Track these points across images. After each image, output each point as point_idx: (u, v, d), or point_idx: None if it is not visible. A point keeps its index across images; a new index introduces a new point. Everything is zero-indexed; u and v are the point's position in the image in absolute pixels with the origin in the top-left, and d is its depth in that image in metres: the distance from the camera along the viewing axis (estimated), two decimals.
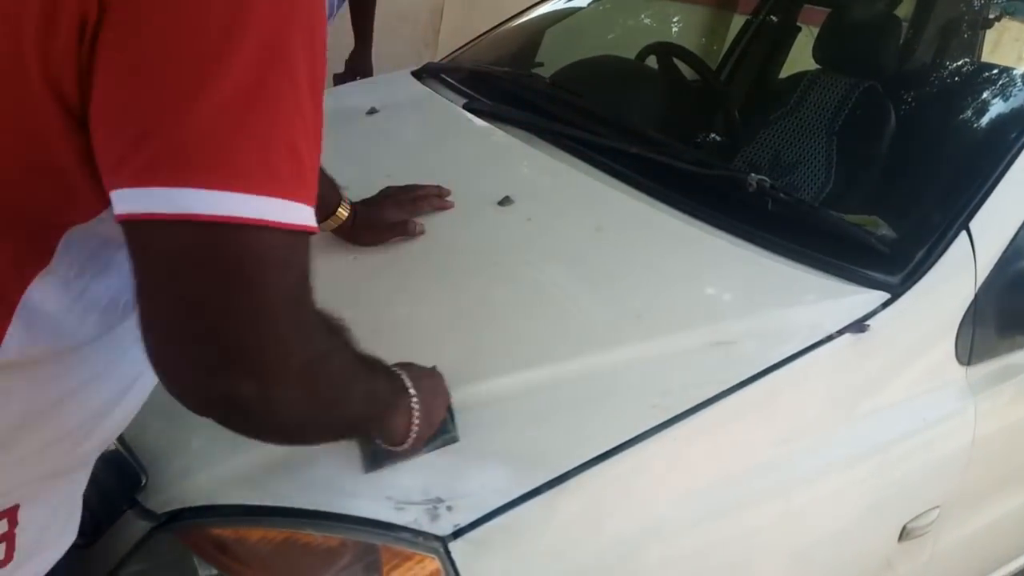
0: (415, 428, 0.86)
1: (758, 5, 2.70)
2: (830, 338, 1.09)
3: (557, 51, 2.15)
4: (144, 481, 0.94)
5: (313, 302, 0.62)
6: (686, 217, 1.28)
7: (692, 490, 0.98)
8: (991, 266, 1.21)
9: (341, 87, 2.09)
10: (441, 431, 0.94)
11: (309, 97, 0.57)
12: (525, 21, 2.16)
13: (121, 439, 0.95)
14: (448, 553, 0.86)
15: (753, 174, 1.27)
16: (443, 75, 1.83)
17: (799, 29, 2.63)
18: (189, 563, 0.91)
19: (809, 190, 1.88)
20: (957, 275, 1.19)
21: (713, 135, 2.27)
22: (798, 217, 1.27)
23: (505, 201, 1.30)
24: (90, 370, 0.71)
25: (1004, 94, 1.71)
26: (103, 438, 0.78)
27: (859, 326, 1.11)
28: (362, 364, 0.75)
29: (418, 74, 1.86)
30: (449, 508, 0.88)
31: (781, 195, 1.27)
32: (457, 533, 0.87)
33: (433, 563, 0.86)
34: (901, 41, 2.18)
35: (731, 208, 1.28)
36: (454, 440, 0.94)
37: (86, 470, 0.80)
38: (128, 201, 0.53)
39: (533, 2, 2.25)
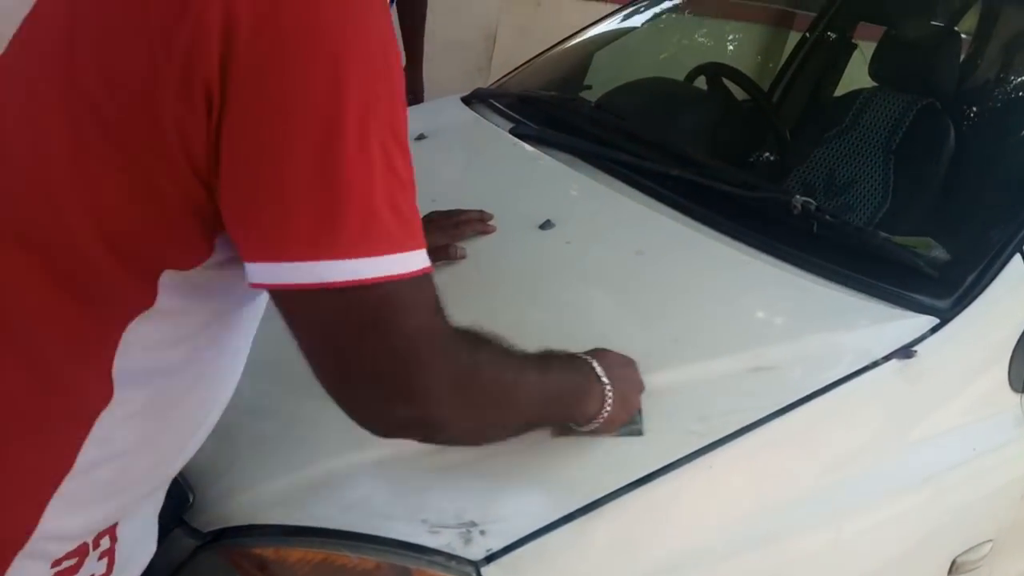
0: (606, 411, 0.92)
1: (812, 23, 2.67)
2: (876, 364, 1.07)
3: (606, 73, 2.16)
4: (191, 500, 0.97)
5: (447, 326, 0.70)
6: (729, 240, 1.28)
7: (730, 519, 0.97)
8: None
9: None
10: (628, 420, 0.97)
11: (400, 154, 0.64)
12: (573, 45, 2.18)
13: None
14: None
15: (798, 195, 1.26)
16: (491, 100, 1.85)
17: (855, 47, 2.60)
18: None
19: (865, 210, 1.85)
20: (1010, 299, 1.16)
21: (767, 155, 2.25)
22: (843, 239, 1.25)
23: (546, 225, 1.31)
24: (186, 400, 0.77)
25: None
26: (188, 456, 0.84)
27: (906, 352, 1.09)
28: (528, 365, 0.83)
29: (467, 100, 1.89)
30: (482, 532, 0.89)
31: (826, 217, 1.26)
32: (489, 558, 0.87)
33: None
34: (962, 57, 2.13)
35: (775, 230, 1.27)
36: (639, 433, 0.97)
37: (166, 487, 0.86)
38: (268, 274, 0.62)
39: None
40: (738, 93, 2.20)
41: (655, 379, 1.04)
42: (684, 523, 0.95)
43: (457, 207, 1.34)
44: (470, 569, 0.87)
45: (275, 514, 0.93)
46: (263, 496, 0.95)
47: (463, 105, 1.86)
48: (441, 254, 1.25)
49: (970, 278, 1.16)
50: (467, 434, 0.81)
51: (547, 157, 1.53)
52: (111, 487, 0.73)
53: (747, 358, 1.07)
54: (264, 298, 0.79)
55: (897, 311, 1.14)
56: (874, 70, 2.12)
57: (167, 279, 0.67)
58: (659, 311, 1.15)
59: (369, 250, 0.62)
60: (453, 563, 0.87)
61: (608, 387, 0.91)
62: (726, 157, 1.87)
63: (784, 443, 1.01)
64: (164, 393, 0.74)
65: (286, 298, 0.64)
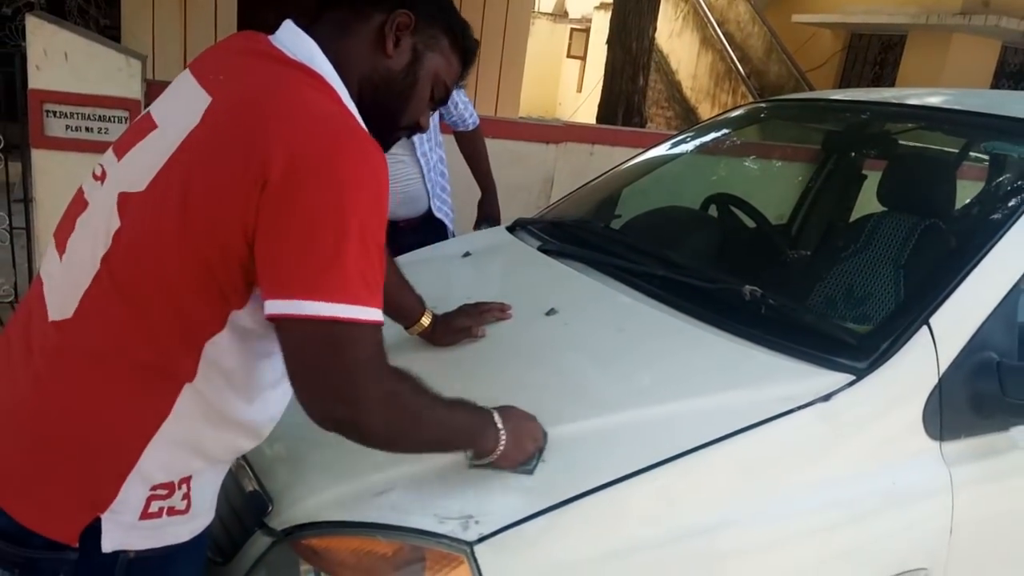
0: (499, 450, 1.22)
1: (823, 157, 3.01)
2: (799, 408, 1.35)
3: (633, 204, 2.54)
4: (270, 508, 1.31)
5: (384, 362, 1.04)
6: (695, 321, 1.59)
7: (671, 522, 1.24)
8: (954, 355, 1.43)
9: (448, 241, 2.57)
10: (523, 463, 1.27)
11: (375, 247, 1.00)
12: (605, 180, 2.59)
13: (257, 479, 1.34)
14: (473, 553, 1.17)
15: (747, 285, 1.57)
16: (528, 227, 2.25)
17: (865, 177, 2.91)
18: (296, 567, 1.26)
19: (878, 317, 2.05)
20: (918, 361, 1.41)
21: (777, 266, 2.54)
22: (783, 317, 1.55)
23: (551, 312, 1.66)
24: (238, 406, 1.11)
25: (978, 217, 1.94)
26: (235, 452, 1.18)
27: (824, 398, 1.36)
28: (439, 403, 1.15)
29: (511, 228, 2.30)
30: (476, 522, 1.19)
31: (770, 301, 1.56)
32: (481, 540, 1.17)
33: (462, 562, 1.17)
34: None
35: (731, 313, 1.58)
36: (528, 472, 1.26)
37: (225, 467, 1.20)
38: (276, 307, 0.97)
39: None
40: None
41: (621, 417, 1.35)
42: (630, 519, 1.23)
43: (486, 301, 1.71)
44: (466, 548, 1.16)
45: (328, 514, 1.25)
46: (320, 501, 1.27)
47: (506, 232, 2.27)
48: (466, 333, 1.62)
49: (883, 345, 1.43)
50: (385, 440, 1.11)
51: (562, 265, 1.90)
52: (188, 443, 1.08)
53: (694, 402, 1.37)
54: None
55: (820, 370, 1.41)
56: (881, 196, 2.41)
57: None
58: (630, 371, 1.47)
59: (343, 299, 0.97)
60: (455, 544, 1.17)
61: (502, 432, 1.22)
62: (732, 269, 2.18)
63: (720, 464, 1.29)
64: (226, 391, 1.08)
65: (284, 325, 0.98)
